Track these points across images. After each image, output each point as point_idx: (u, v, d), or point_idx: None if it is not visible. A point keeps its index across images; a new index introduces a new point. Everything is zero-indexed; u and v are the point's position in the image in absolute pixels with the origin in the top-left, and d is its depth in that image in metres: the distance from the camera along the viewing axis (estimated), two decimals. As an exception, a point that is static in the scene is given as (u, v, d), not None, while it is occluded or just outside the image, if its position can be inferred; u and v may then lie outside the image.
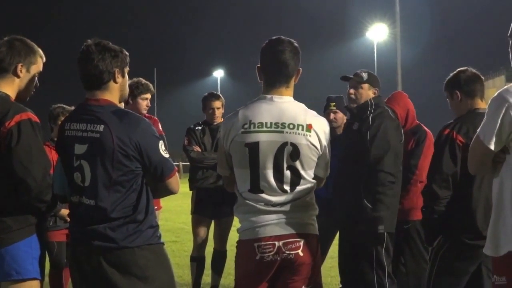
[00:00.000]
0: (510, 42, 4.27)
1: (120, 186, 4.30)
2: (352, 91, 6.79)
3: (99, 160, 4.28)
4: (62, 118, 7.75)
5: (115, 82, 4.43)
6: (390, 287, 6.52)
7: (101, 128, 4.28)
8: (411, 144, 7.17)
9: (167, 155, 4.43)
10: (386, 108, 6.71)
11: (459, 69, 5.75)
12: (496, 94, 4.13)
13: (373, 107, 6.60)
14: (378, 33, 54.90)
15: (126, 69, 4.51)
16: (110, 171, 4.27)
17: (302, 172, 4.41)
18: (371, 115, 6.54)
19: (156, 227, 4.46)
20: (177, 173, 4.52)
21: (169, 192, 4.54)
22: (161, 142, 4.42)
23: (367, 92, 6.73)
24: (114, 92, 4.46)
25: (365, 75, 6.78)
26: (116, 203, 4.29)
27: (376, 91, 6.78)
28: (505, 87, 4.13)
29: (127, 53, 4.52)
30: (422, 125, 7.40)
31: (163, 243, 4.52)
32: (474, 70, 5.71)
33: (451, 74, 5.75)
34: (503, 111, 4.02)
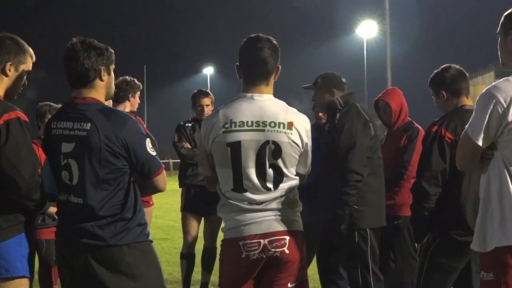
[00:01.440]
0: (500, 38, 4.28)
1: (107, 184, 4.30)
2: (313, 97, 7.02)
3: (86, 158, 4.28)
4: (49, 116, 7.74)
5: (101, 80, 4.44)
6: (376, 284, 6.52)
7: (87, 126, 4.28)
8: (403, 141, 7.21)
9: (154, 153, 4.44)
10: (355, 105, 6.73)
11: (442, 67, 5.74)
12: (484, 90, 4.14)
13: (341, 105, 6.66)
14: (367, 30, 54.96)
15: (112, 67, 4.53)
16: (97, 169, 4.28)
17: (284, 170, 4.40)
18: (338, 114, 6.59)
19: (144, 225, 4.46)
20: (164, 171, 4.53)
21: (156, 189, 4.56)
22: (148, 140, 4.43)
23: (323, 96, 6.83)
24: (100, 90, 4.47)
25: (319, 80, 6.91)
26: (103, 201, 4.29)
27: (332, 91, 6.79)
28: (493, 83, 4.14)
29: (112, 51, 4.53)
30: (414, 121, 7.42)
31: (151, 241, 4.53)
32: (457, 67, 5.71)
33: (435, 72, 5.74)
34: (491, 107, 4.03)
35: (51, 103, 7.91)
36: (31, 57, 4.73)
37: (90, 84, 4.42)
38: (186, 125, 8.60)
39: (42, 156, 6.99)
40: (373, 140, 6.61)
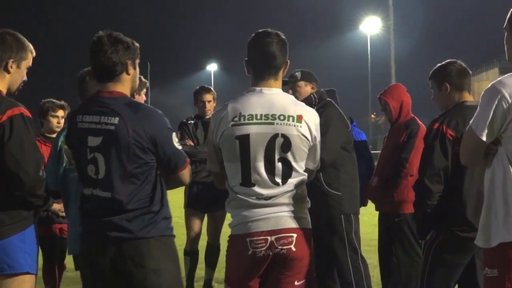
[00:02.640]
0: (506, 34, 4.25)
1: (135, 178, 4.29)
2: (290, 91, 6.97)
3: (114, 152, 4.26)
4: (52, 113, 7.75)
5: (128, 74, 4.42)
6: (364, 266, 6.73)
7: (115, 120, 4.26)
8: (403, 138, 7.18)
9: (180, 147, 4.45)
10: (330, 100, 6.92)
11: (447, 61, 5.72)
12: (489, 85, 4.13)
13: (317, 100, 6.83)
14: (371, 26, 54.90)
15: (137, 61, 4.51)
16: (126, 164, 4.26)
17: (293, 163, 4.39)
18: (315, 107, 6.62)
19: (169, 218, 4.46)
20: (189, 165, 4.52)
21: (181, 183, 4.57)
22: (174, 134, 4.44)
23: (305, 89, 6.98)
24: (126, 84, 4.45)
25: (298, 74, 7.02)
26: (132, 195, 4.28)
27: (314, 85, 7.02)
28: (498, 78, 4.13)
29: (138, 45, 4.51)
30: (417, 118, 7.40)
31: (174, 236, 4.52)
32: (463, 64, 5.70)
33: (439, 65, 5.72)
34: (496, 102, 4.02)
35: (54, 100, 7.90)
36: (32, 53, 4.73)
37: (117, 78, 4.39)
38: (189, 122, 8.58)
39: (45, 153, 7.02)
40: (347, 132, 6.86)
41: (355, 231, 6.65)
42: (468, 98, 5.58)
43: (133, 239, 4.28)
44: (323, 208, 6.43)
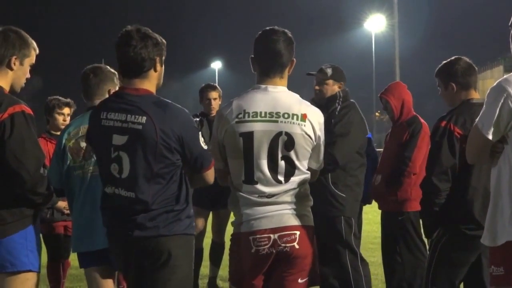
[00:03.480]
0: (511, 31, 4.24)
1: (161, 178, 4.24)
2: (317, 87, 6.87)
3: (140, 152, 4.20)
4: (58, 110, 7.75)
5: (155, 70, 4.36)
6: (365, 269, 6.66)
7: (143, 119, 4.19)
8: (405, 136, 7.16)
9: (205, 147, 4.40)
10: (353, 102, 6.83)
11: (452, 58, 5.69)
12: (495, 83, 4.12)
13: (341, 99, 6.71)
14: (376, 24, 54.85)
15: (163, 58, 4.44)
16: (152, 164, 4.20)
17: (296, 162, 4.39)
18: (339, 106, 6.62)
19: (192, 217, 4.41)
20: (213, 165, 4.46)
21: (205, 183, 4.50)
22: (200, 133, 4.40)
23: (332, 88, 6.81)
24: (153, 81, 4.38)
25: (329, 71, 6.85)
26: (157, 195, 4.23)
27: (341, 85, 6.87)
28: (504, 76, 4.11)
29: (165, 42, 4.44)
30: (419, 116, 7.37)
31: (194, 235, 4.49)
32: (468, 60, 5.67)
33: (445, 63, 5.69)
34: (502, 100, 4.01)
35: (60, 97, 7.91)
36: (35, 50, 4.71)
37: (144, 75, 4.31)
38: (194, 120, 8.55)
39: (50, 150, 7.02)
40: (364, 139, 6.78)
41: (354, 234, 6.62)
42: (475, 95, 5.56)
43: (156, 236, 4.23)
44: (325, 207, 6.42)
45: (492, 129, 4.06)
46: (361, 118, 6.75)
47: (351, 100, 6.82)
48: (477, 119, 4.19)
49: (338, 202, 6.55)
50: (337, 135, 6.44)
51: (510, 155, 4.07)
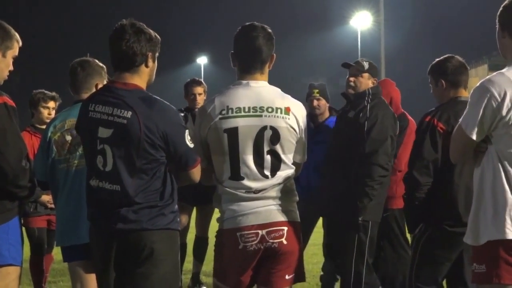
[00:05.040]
0: (497, 29, 4.26)
1: (144, 173, 4.23)
2: (352, 78, 6.73)
3: (123, 146, 4.20)
4: (43, 104, 7.73)
5: (147, 66, 4.36)
6: (367, 276, 6.49)
7: (128, 114, 4.19)
8: (395, 133, 7.16)
9: (192, 145, 4.37)
10: (383, 99, 6.72)
11: (445, 56, 5.72)
12: (478, 84, 4.13)
13: (370, 96, 6.58)
14: (362, 21, 54.88)
15: (157, 55, 4.44)
16: (135, 159, 4.20)
17: (282, 156, 4.40)
18: (368, 105, 6.52)
19: (176, 212, 4.41)
20: (199, 164, 4.44)
21: (190, 181, 4.49)
22: (187, 131, 4.37)
23: (367, 82, 6.70)
24: (144, 77, 4.38)
25: (366, 64, 6.75)
26: (139, 189, 4.23)
27: (375, 81, 6.77)
28: (487, 76, 4.13)
29: (159, 38, 4.44)
30: (407, 114, 7.39)
31: (179, 230, 4.48)
32: (460, 59, 5.70)
33: (437, 60, 5.73)
34: (485, 101, 4.02)
35: (45, 91, 7.88)
36: (18, 42, 4.66)
37: (135, 69, 4.32)
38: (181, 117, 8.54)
39: (35, 143, 7.00)
40: (396, 137, 6.62)
41: (370, 238, 6.45)
42: (464, 94, 5.60)
43: (140, 230, 4.23)
44: (342, 210, 6.37)
45: (476, 129, 4.07)
46: (392, 116, 6.56)
47: (381, 97, 6.70)
48: (460, 119, 4.21)
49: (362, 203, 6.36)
50: (376, 141, 6.30)
51: (494, 155, 4.09)
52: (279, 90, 4.51)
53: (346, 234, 6.46)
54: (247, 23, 4.55)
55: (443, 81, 5.60)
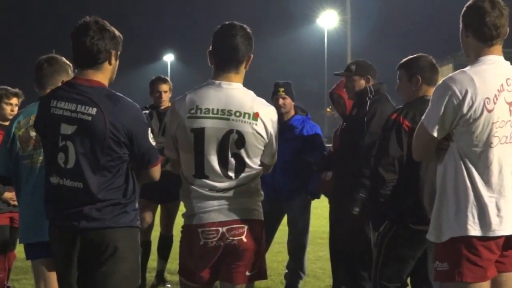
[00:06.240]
0: (460, 29, 4.30)
1: (107, 171, 4.22)
2: (346, 84, 6.99)
3: (87, 144, 4.18)
4: (6, 100, 7.65)
5: (110, 63, 4.35)
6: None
7: (93, 111, 4.17)
8: (359, 132, 7.19)
9: (154, 143, 4.39)
10: (385, 95, 6.84)
11: (419, 54, 5.74)
12: (440, 81, 4.18)
13: (372, 93, 6.73)
14: (328, 20, 55.10)
15: (119, 53, 4.43)
16: (99, 156, 4.18)
17: (247, 160, 4.41)
18: (369, 101, 6.64)
19: (137, 210, 4.41)
20: (160, 162, 4.47)
21: (151, 179, 4.52)
22: (149, 129, 4.39)
23: (359, 83, 6.89)
24: (106, 74, 4.37)
25: (353, 67, 6.96)
26: (102, 186, 4.21)
27: (368, 78, 6.90)
28: (449, 75, 4.17)
29: (122, 37, 4.44)
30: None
31: (140, 228, 4.48)
32: (433, 59, 5.75)
33: (412, 57, 5.72)
34: (447, 98, 4.06)
35: (8, 87, 7.81)
36: None
37: (98, 66, 4.31)
38: (143, 112, 8.50)
39: (-2, 139, 6.92)
40: None
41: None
42: (431, 93, 5.62)
43: (103, 228, 4.22)
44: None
45: (437, 127, 4.12)
46: (392, 109, 6.45)
47: (383, 93, 6.83)
48: (423, 117, 4.25)
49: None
50: (375, 134, 6.34)
51: (455, 153, 4.13)
52: (251, 93, 4.51)
53: (360, 230, 6.63)
54: (227, 22, 4.56)
55: (419, 77, 5.59)
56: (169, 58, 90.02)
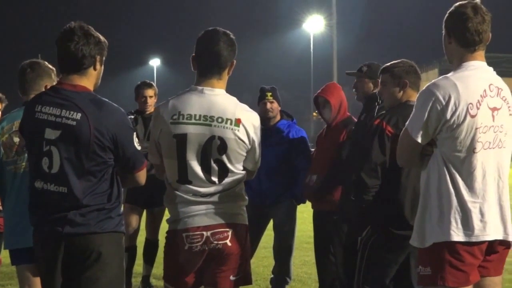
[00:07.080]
0: (443, 35, 4.33)
1: (92, 176, 4.22)
2: (356, 84, 7.00)
3: (72, 148, 4.18)
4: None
5: (95, 69, 4.35)
6: None
7: (78, 116, 4.17)
8: (342, 137, 7.21)
9: (139, 147, 4.39)
10: None
11: (402, 60, 5.75)
12: (424, 87, 4.20)
13: (381, 99, 6.59)
14: (314, 25, 55.19)
15: (104, 58, 4.44)
16: (84, 161, 4.18)
17: (229, 165, 4.42)
18: (377, 106, 6.60)
19: (121, 215, 4.43)
20: (146, 167, 4.48)
21: (136, 183, 4.53)
22: (135, 134, 4.39)
23: (367, 85, 6.89)
24: (91, 79, 4.37)
25: (365, 69, 6.94)
26: (87, 192, 4.21)
27: (377, 82, 6.76)
28: (433, 80, 4.20)
29: (107, 42, 4.45)
30: (353, 117, 7.45)
31: (124, 233, 4.49)
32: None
33: (395, 62, 5.73)
34: (430, 104, 4.08)
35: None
36: None
37: (83, 72, 4.31)
38: (129, 117, 8.49)
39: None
40: None
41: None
42: (414, 98, 5.64)
43: (87, 233, 4.21)
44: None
45: (421, 132, 4.14)
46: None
47: None
48: (406, 123, 4.27)
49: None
50: None
51: (439, 158, 4.15)
52: (234, 99, 4.52)
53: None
54: (210, 28, 4.57)
55: (406, 81, 5.60)
56: (155, 62, 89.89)
